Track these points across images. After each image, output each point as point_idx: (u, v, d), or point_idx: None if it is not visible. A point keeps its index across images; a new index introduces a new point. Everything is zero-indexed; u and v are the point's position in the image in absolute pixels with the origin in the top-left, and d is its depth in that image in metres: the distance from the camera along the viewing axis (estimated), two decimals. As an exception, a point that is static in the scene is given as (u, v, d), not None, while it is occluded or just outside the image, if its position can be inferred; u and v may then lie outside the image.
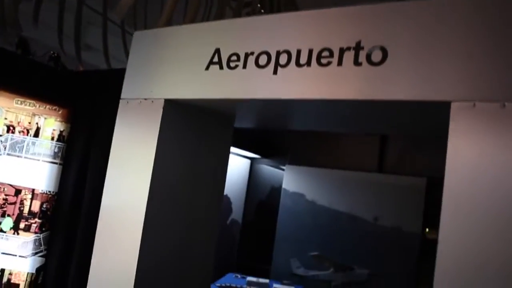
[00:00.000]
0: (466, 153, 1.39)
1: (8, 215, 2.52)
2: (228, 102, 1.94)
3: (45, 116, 2.65)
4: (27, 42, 2.90)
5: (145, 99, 2.10)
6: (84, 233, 2.54)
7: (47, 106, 2.66)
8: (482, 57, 1.41)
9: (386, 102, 1.57)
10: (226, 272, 4.74)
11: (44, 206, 2.65)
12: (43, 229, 2.64)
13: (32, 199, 2.60)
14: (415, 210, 4.36)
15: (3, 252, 2.51)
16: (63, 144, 2.71)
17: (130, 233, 2.04)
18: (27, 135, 2.58)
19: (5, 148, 2.50)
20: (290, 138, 5.29)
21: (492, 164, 1.35)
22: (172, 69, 2.06)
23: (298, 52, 1.72)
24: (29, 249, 2.57)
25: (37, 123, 2.62)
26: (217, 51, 1.92)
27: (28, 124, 2.59)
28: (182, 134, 2.20)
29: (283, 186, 5.05)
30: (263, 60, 1.80)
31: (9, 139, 2.52)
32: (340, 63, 1.64)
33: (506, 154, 1.33)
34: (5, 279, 2.51)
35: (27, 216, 2.58)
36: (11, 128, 2.53)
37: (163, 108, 2.04)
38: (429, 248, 4.40)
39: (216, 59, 1.91)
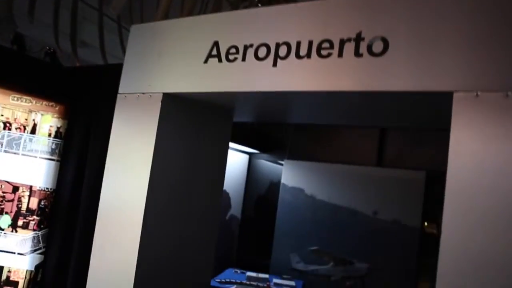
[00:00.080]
0: (468, 144, 1.38)
1: (6, 213, 2.49)
2: (227, 95, 1.92)
3: (42, 112, 2.62)
4: (22, 38, 2.87)
5: (143, 93, 2.08)
6: (83, 230, 2.52)
7: (44, 103, 2.63)
8: (484, 46, 1.40)
9: (388, 94, 1.56)
10: (226, 268, 4.74)
11: (42, 203, 2.62)
12: (42, 226, 2.62)
13: (30, 196, 2.58)
14: (414, 204, 4.36)
15: (1, 249, 2.49)
16: (60, 140, 2.68)
17: (129, 229, 2.02)
18: (24, 131, 2.55)
19: (1, 145, 2.48)
20: (289, 132, 5.28)
21: (496, 154, 1.33)
22: (170, 63, 2.03)
23: (298, 44, 1.71)
24: (27, 246, 2.55)
25: (33, 120, 2.59)
26: (216, 44, 1.90)
27: (24, 120, 2.56)
28: (181, 129, 2.18)
29: (282, 181, 5.04)
30: (262, 52, 1.78)
31: (5, 136, 2.49)
32: (340, 54, 1.62)
33: (510, 145, 1.31)
34: (4, 277, 2.49)
35: (25, 213, 2.55)
36: (8, 125, 2.50)
37: (162, 102, 2.01)
38: (428, 241, 4.41)
39: (214, 52, 1.89)
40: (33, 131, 2.59)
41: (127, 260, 1.99)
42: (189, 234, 2.34)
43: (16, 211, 2.53)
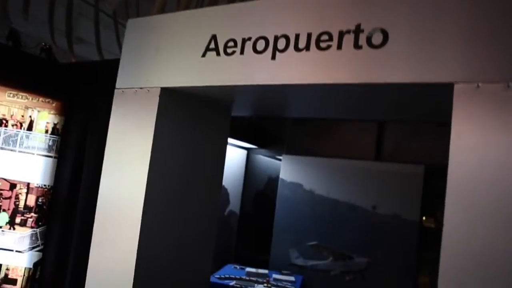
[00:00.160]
0: (470, 136, 1.37)
1: (4, 210, 2.48)
2: (226, 89, 1.91)
3: (39, 109, 2.60)
4: (18, 34, 2.84)
5: (141, 88, 2.06)
6: (81, 227, 2.50)
7: (40, 99, 2.61)
8: (485, 37, 1.38)
9: (388, 86, 1.54)
10: (225, 264, 4.73)
11: (40, 200, 2.61)
12: (40, 223, 2.60)
13: (27, 193, 2.56)
14: (413, 198, 4.36)
15: (-1, 247, 2.48)
16: (57, 137, 2.66)
17: (128, 225, 2.01)
18: (21, 128, 2.53)
19: (-2, 142, 2.46)
20: (287, 127, 5.26)
21: (498, 146, 1.33)
22: (168, 57, 2.01)
23: (297, 36, 1.69)
24: (26, 244, 2.54)
25: (30, 116, 2.57)
26: (214, 37, 1.88)
27: (21, 117, 2.54)
28: (180, 123, 2.17)
29: (281, 176, 5.03)
30: (261, 45, 1.76)
31: (2, 133, 2.47)
32: (339, 46, 1.61)
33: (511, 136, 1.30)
34: (2, 274, 2.47)
35: (23, 211, 2.54)
36: (4, 121, 2.48)
37: (160, 97, 2.00)
38: (427, 235, 4.41)
39: (212, 45, 1.88)
40: (29, 128, 2.57)
41: (126, 256, 1.98)
42: (188, 230, 2.33)
43: (14, 209, 2.52)
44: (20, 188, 2.54)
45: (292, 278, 4.32)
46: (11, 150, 2.51)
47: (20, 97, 2.53)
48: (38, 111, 2.60)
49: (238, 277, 4.16)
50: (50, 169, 2.64)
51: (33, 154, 2.57)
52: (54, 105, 2.65)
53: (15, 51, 2.68)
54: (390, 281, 4.33)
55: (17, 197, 2.53)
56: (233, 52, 1.82)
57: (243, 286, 3.90)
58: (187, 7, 2.71)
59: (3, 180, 2.48)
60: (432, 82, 1.45)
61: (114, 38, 3.73)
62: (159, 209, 2.09)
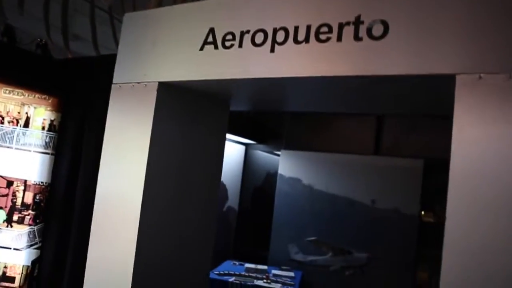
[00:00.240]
0: (472, 128, 1.36)
1: (1, 208, 2.45)
2: (224, 83, 1.89)
3: (35, 105, 2.57)
4: (13, 30, 2.81)
5: (138, 82, 2.04)
6: (80, 224, 2.48)
7: (37, 95, 2.58)
8: (486, 27, 1.37)
9: (389, 78, 1.53)
10: (224, 260, 4.73)
11: (37, 197, 2.58)
12: (37, 221, 2.58)
13: (24, 190, 2.53)
14: (412, 192, 4.35)
15: (-3, 245, 2.45)
16: (54, 133, 2.64)
17: (127, 222, 1.99)
18: (17, 125, 2.51)
19: (-6, 139, 2.44)
20: (285, 122, 5.25)
21: (500, 138, 1.31)
22: (165, 51, 1.99)
23: (296, 29, 1.67)
24: (23, 241, 2.52)
25: (26, 113, 2.54)
26: (212, 30, 1.86)
27: (17, 114, 2.51)
28: (178, 118, 2.15)
29: (279, 171, 5.02)
30: (259, 38, 1.74)
31: (-2, 130, 2.45)
32: (339, 38, 1.59)
33: (514, 128, 1.29)
34: (0, 273, 2.45)
35: (20, 208, 2.51)
36: (0, 118, 2.45)
37: (157, 92, 1.98)
38: (426, 229, 4.41)
39: (210, 39, 1.85)
40: (26, 125, 2.54)
41: (125, 253, 1.97)
42: (187, 226, 2.31)
43: (11, 206, 2.49)
44: (17, 186, 2.51)
45: (291, 274, 4.32)
46: (8, 147, 2.48)
47: (16, 93, 2.51)
48: (35, 108, 2.57)
49: (237, 273, 4.16)
50: (47, 166, 2.62)
51: (29, 151, 2.55)
52: (50, 101, 2.62)
53: (10, 47, 2.65)
54: (390, 276, 4.33)
55: (14, 195, 2.50)
56: (231, 45, 1.80)
57: (243, 282, 3.90)
58: (184, 0, 2.68)
59: (0, 178, 2.46)
60: (434, 73, 1.43)
61: (111, 34, 3.70)
62: (158, 205, 2.07)
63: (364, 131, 4.86)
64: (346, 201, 4.62)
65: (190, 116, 2.24)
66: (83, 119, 2.63)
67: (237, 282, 3.89)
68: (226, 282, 3.90)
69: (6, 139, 2.47)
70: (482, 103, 1.35)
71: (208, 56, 1.85)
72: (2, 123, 2.46)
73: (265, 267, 4.39)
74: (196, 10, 1.97)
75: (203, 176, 2.40)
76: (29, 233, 2.54)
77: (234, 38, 1.80)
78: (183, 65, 1.93)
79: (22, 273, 2.51)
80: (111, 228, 2.05)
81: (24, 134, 2.53)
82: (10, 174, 2.49)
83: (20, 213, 2.52)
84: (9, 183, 2.49)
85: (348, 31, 1.57)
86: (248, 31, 1.77)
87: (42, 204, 2.60)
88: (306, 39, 1.64)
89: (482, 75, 1.35)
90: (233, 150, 5.07)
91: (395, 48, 1.49)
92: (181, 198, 2.24)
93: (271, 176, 5.60)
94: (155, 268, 2.08)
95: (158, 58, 2.01)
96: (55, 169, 2.64)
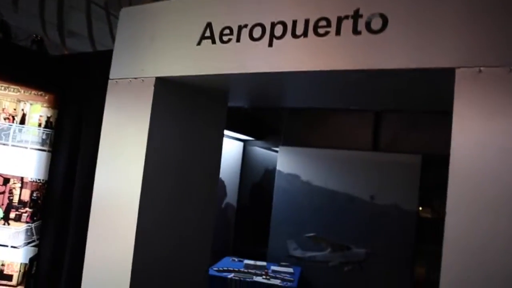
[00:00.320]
0: (472, 121, 1.35)
1: (-3, 205, 2.44)
2: (222, 77, 1.87)
3: (31, 102, 2.55)
4: (8, 26, 2.79)
5: (135, 78, 2.03)
6: (77, 221, 2.47)
7: (33, 92, 2.56)
8: (486, 20, 1.36)
9: (388, 72, 1.52)
10: (223, 256, 4.72)
11: (35, 194, 2.56)
12: (35, 218, 2.56)
13: (21, 188, 2.51)
14: (411, 188, 4.35)
15: (-6, 243, 2.44)
16: (51, 130, 2.62)
17: (125, 219, 1.98)
18: (13, 122, 2.49)
19: (-10, 136, 2.42)
20: (283, 118, 5.23)
21: (500, 131, 1.31)
22: (163, 46, 1.98)
23: (294, 23, 1.66)
24: (21, 239, 2.50)
25: (22, 110, 2.52)
26: (209, 25, 1.85)
27: (13, 110, 2.49)
28: (175, 114, 2.13)
29: (277, 167, 5.01)
30: (257, 32, 1.73)
31: (-6, 127, 2.43)
32: (338, 32, 1.58)
33: (514, 121, 1.28)
34: (-3, 270, 2.44)
35: (17, 206, 2.50)
36: (-4, 115, 2.44)
37: (154, 87, 1.96)
38: (423, 225, 4.42)
39: (208, 33, 1.84)
40: (22, 121, 2.52)
41: (123, 249, 1.96)
42: (185, 224, 2.30)
43: (8, 204, 2.47)
44: (14, 183, 2.49)
45: (290, 270, 4.32)
46: (4, 144, 2.46)
47: (12, 90, 2.48)
48: (31, 104, 2.55)
49: (236, 269, 4.15)
50: (44, 163, 2.60)
51: (26, 148, 2.53)
52: (46, 98, 2.60)
53: (5, 43, 2.63)
54: (388, 271, 4.33)
55: (11, 192, 2.48)
56: (229, 40, 1.79)
57: (242, 279, 3.89)
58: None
59: (-4, 175, 2.44)
60: (433, 67, 1.43)
61: (107, 30, 3.68)
62: (156, 201, 2.06)
63: (363, 127, 4.85)
64: (345, 197, 4.62)
65: (188, 111, 2.23)
66: (80, 115, 2.61)
67: (236, 278, 3.89)
68: (225, 278, 3.89)
69: (2, 136, 2.45)
70: (482, 97, 1.35)
71: (205, 51, 1.84)
72: (-2, 119, 2.44)
73: (264, 263, 4.38)
74: (193, 4, 1.95)
75: (201, 172, 2.39)
76: (27, 230, 2.53)
77: (231, 33, 1.79)
78: (181, 60, 1.92)
79: (19, 270, 2.49)
80: (109, 225, 2.04)
81: (20, 131, 2.51)
82: (6, 171, 2.47)
83: (17, 210, 2.50)
84: (6, 181, 2.47)
85: (347, 24, 1.56)
86: (246, 26, 1.76)
87: (39, 201, 2.58)
88: (305, 33, 1.63)
89: (482, 68, 1.34)
90: (231, 146, 5.06)
91: (394, 42, 1.48)
92: (179, 195, 2.23)
93: (270, 173, 5.59)
94: (153, 264, 2.07)
95: (156, 53, 1.99)
96: (52, 166, 2.62)
